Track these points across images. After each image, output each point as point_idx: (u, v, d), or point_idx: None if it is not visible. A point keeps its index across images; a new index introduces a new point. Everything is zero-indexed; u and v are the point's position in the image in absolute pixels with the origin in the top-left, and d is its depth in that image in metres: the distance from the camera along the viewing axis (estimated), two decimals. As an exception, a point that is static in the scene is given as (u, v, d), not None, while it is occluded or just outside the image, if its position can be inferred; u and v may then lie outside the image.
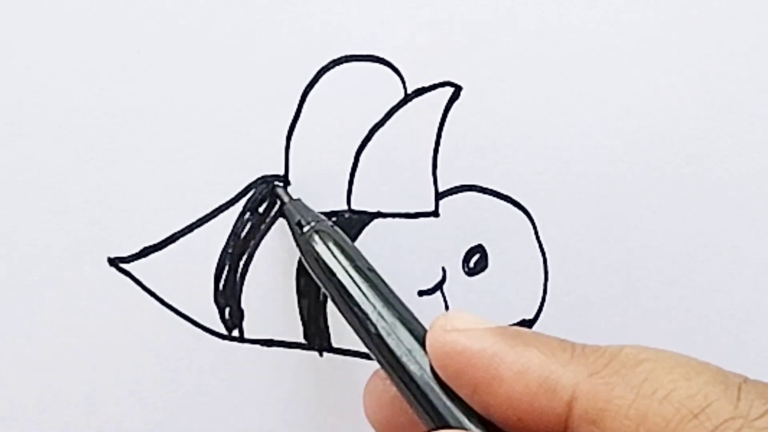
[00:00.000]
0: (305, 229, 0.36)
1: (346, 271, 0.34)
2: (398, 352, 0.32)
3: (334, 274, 0.34)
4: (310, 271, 0.36)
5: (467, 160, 0.40)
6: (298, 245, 0.37)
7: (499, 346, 0.30)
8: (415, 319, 0.33)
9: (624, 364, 0.28)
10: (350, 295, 0.34)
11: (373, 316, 0.33)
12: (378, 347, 0.32)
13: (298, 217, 0.37)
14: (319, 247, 0.35)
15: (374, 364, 0.40)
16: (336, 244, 0.35)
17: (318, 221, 0.37)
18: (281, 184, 0.39)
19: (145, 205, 0.39)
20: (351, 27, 0.39)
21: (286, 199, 0.38)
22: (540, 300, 0.41)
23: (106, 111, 0.39)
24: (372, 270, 0.35)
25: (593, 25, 0.40)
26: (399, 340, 0.32)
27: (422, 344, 0.32)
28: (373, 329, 0.33)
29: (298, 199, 0.38)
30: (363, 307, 0.33)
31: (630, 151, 0.40)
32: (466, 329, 0.30)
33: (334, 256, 0.35)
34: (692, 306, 0.41)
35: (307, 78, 0.39)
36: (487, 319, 0.31)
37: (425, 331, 0.32)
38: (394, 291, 0.34)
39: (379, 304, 0.33)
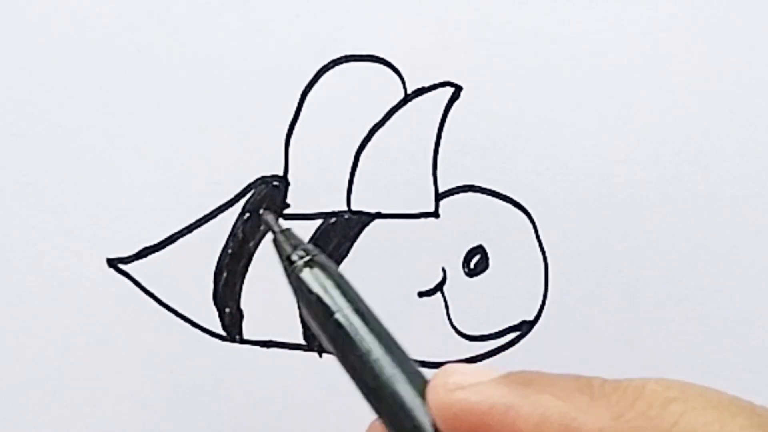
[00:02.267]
0: (295, 260, 0.31)
1: (344, 311, 0.30)
2: (400, 412, 0.28)
3: (332, 314, 0.30)
4: (302, 309, 0.31)
5: (467, 160, 0.40)
6: (289, 280, 0.32)
7: (511, 397, 0.27)
8: (415, 366, 0.29)
9: (651, 405, 0.26)
10: (352, 340, 0.30)
11: (376, 366, 0.29)
12: (378, 400, 0.29)
13: (288, 250, 0.32)
14: (313, 281, 0.31)
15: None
16: (332, 278, 0.31)
17: (310, 252, 0.31)
18: (270, 212, 0.37)
19: (145, 205, 0.39)
20: (351, 27, 0.39)
21: (276, 228, 0.32)
22: (540, 301, 0.41)
23: (106, 111, 0.39)
24: (368, 307, 0.31)
25: (593, 25, 0.40)
26: (400, 395, 0.28)
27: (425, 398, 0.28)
28: (372, 382, 0.29)
29: (288, 229, 0.32)
30: (365, 355, 0.29)
31: (630, 151, 0.40)
32: (471, 384, 0.28)
33: (329, 293, 0.30)
34: (692, 306, 0.41)
35: (307, 78, 0.39)
36: (488, 368, 0.28)
37: (426, 382, 0.29)
38: (390, 332, 0.30)
39: (380, 352, 0.29)
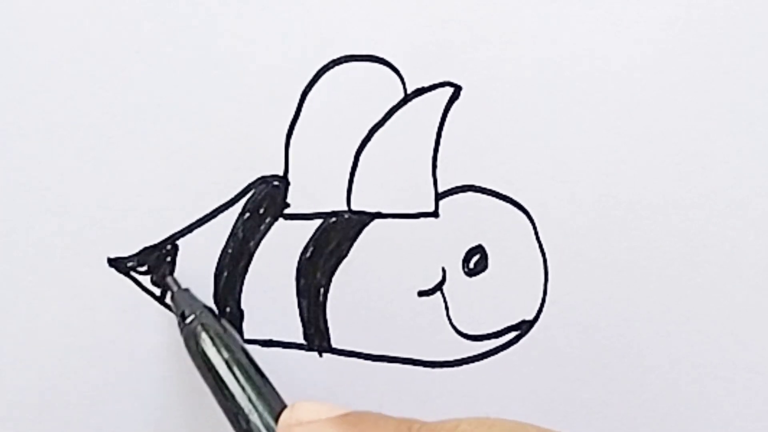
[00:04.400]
0: (189, 320, 0.38)
1: (227, 364, 0.36)
2: None
3: (214, 368, 0.36)
4: (192, 362, 0.38)
5: (467, 160, 0.40)
6: (182, 334, 0.38)
7: None
8: (279, 405, 0.35)
9: None
10: (229, 390, 0.36)
11: (246, 410, 0.35)
12: None
13: (183, 308, 0.38)
14: (203, 340, 0.37)
15: (374, 366, 0.41)
16: (218, 336, 0.37)
17: (202, 312, 0.38)
18: (173, 277, 0.40)
19: (145, 205, 0.39)
20: (351, 27, 0.39)
21: (174, 288, 0.39)
22: (540, 300, 0.41)
23: (106, 111, 0.39)
24: (251, 361, 0.37)
25: (593, 24, 0.40)
26: (259, 429, 0.35)
27: None
28: (245, 425, 0.35)
29: (186, 289, 0.39)
30: (238, 401, 0.36)
31: (630, 151, 0.40)
32: (309, 422, 0.32)
33: (216, 349, 0.37)
34: (692, 306, 0.41)
35: (306, 78, 0.39)
36: (333, 405, 0.32)
37: None
38: (270, 383, 0.36)
39: (254, 399, 0.35)
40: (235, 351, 0.37)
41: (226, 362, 0.36)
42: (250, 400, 0.35)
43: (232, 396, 0.36)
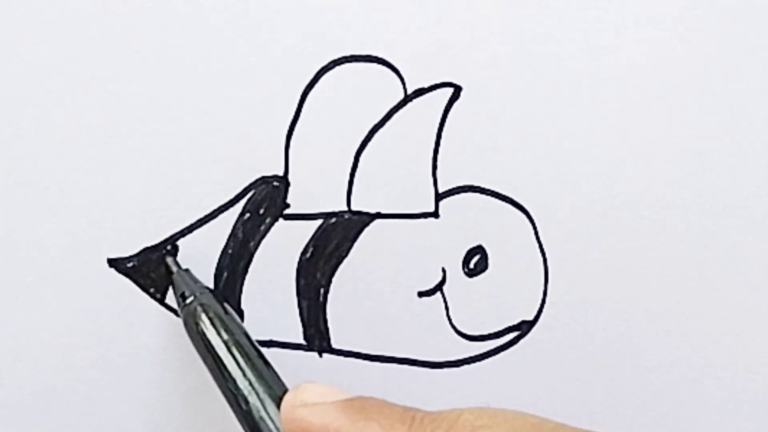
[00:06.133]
0: (188, 301, 0.37)
1: (226, 346, 0.36)
2: (260, 423, 0.34)
3: (213, 349, 0.36)
4: (191, 341, 0.37)
5: (467, 160, 0.40)
6: (182, 317, 0.38)
7: (342, 421, 0.31)
8: (281, 387, 0.35)
9: None
10: (228, 372, 0.35)
11: (245, 392, 0.35)
12: (248, 423, 0.35)
13: (182, 288, 0.38)
14: (202, 321, 0.37)
15: (374, 366, 0.41)
16: (217, 317, 0.37)
17: (202, 293, 0.38)
18: (172, 253, 0.39)
19: (145, 205, 0.39)
20: (351, 27, 0.39)
21: (174, 269, 0.39)
22: (540, 301, 0.41)
23: (106, 111, 0.39)
24: (252, 343, 0.36)
25: (593, 25, 0.40)
26: (268, 418, 0.34)
27: None
28: (244, 406, 0.35)
29: (187, 270, 0.39)
30: (238, 383, 0.35)
31: (630, 151, 0.40)
32: (313, 404, 0.32)
33: (216, 331, 0.36)
34: (692, 306, 0.41)
35: (307, 78, 0.39)
36: (338, 389, 0.32)
37: None
38: (272, 366, 0.36)
39: (254, 382, 0.35)
40: (236, 333, 0.36)
41: (226, 344, 0.36)
42: (249, 382, 0.35)
43: (232, 378, 0.35)
